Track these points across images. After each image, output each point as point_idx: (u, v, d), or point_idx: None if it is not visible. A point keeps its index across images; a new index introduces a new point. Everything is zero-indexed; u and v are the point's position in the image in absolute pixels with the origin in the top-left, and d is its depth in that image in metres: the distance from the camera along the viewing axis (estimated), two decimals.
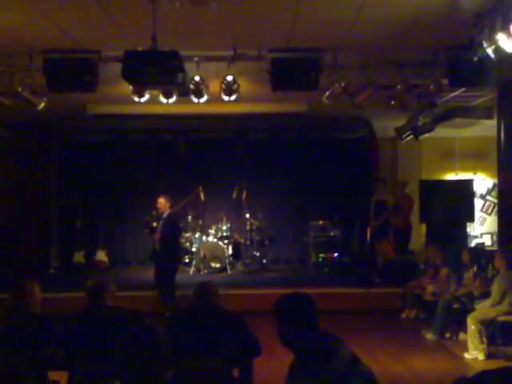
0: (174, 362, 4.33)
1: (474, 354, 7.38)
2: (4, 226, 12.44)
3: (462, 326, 7.94)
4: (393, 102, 8.07)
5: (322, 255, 12.77)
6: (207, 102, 8.02)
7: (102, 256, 12.91)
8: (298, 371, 2.92)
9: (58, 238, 13.38)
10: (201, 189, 12.27)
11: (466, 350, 7.51)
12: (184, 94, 7.79)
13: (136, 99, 8.05)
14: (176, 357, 4.39)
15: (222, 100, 7.82)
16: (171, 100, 8.02)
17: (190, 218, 12.58)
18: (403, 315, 9.60)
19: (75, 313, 4.66)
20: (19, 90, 7.54)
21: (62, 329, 4.56)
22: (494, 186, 12.32)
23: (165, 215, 9.24)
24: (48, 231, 13.06)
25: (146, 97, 8.04)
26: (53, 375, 4.51)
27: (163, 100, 8.05)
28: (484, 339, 7.38)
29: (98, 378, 3.95)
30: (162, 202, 9.23)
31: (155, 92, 7.97)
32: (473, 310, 7.82)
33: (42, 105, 8.13)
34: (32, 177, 12.85)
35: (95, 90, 6.99)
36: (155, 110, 10.24)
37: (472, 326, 7.46)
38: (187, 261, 12.44)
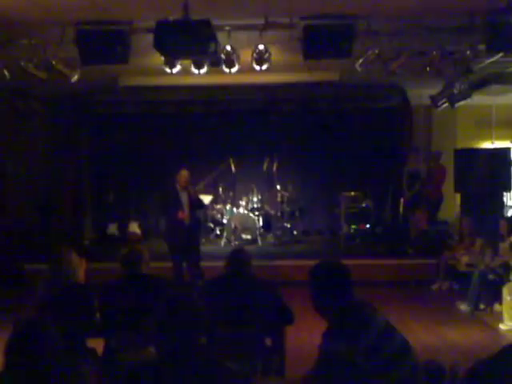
0: (208, 330, 4.38)
1: (510, 325, 7.31)
2: (39, 199, 12.60)
3: (497, 297, 7.86)
4: (428, 69, 7.87)
5: (353, 226, 12.70)
6: (238, 72, 7.94)
7: (134, 228, 13.03)
8: (333, 338, 2.92)
9: (91, 211, 13.55)
10: (231, 160, 12.27)
11: (502, 321, 7.45)
12: (215, 64, 7.72)
13: (168, 70, 8.01)
14: (209, 325, 4.43)
15: (254, 70, 7.75)
16: (202, 71, 7.95)
17: (220, 189, 12.60)
18: (435, 286, 9.54)
19: (111, 281, 4.71)
20: (53, 62, 7.55)
21: (98, 297, 4.63)
22: None
23: (189, 188, 9.08)
24: (82, 203, 13.21)
25: (178, 68, 7.99)
26: (89, 342, 4.59)
27: (195, 71, 7.99)
28: None
29: (133, 345, 4.01)
30: (186, 175, 8.93)
31: (187, 62, 7.92)
32: (509, 280, 7.73)
33: (76, 77, 8.11)
34: (65, 149, 12.96)
35: (127, 62, 6.97)
36: (186, 81, 10.19)
37: (508, 296, 7.39)
38: (218, 232, 12.51)
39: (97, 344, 4.66)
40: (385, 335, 2.93)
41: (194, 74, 8.04)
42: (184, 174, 8.98)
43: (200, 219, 9.51)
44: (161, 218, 13.12)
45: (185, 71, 8.10)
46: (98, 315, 4.53)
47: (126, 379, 2.64)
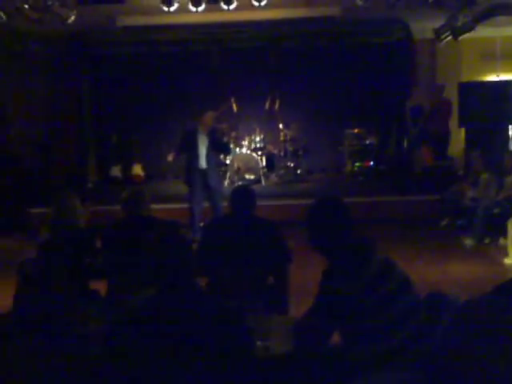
0: (210, 270, 4.40)
1: None
2: (42, 142, 12.50)
3: (502, 231, 7.84)
4: (430, 0, 7.66)
5: (357, 164, 12.64)
6: (238, 9, 7.77)
7: (138, 170, 13.00)
8: (333, 276, 2.90)
9: (94, 152, 13.48)
10: (233, 100, 12.11)
11: (506, 255, 7.45)
12: (213, 0, 7.56)
13: (165, 8, 7.85)
14: (212, 265, 4.45)
15: (253, 6, 7.58)
16: (200, 8, 7.79)
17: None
18: (444, 223, 9.48)
19: (112, 223, 4.71)
20: (49, 3, 7.40)
21: (100, 239, 4.63)
22: None
23: (210, 130, 8.93)
24: (84, 146, 13.13)
25: (175, 5, 7.82)
26: (92, 284, 4.61)
27: (192, 8, 7.82)
28: None
29: (134, 286, 4.01)
30: (212, 117, 8.85)
31: (184, 0, 7.75)
32: None
33: (72, 18, 7.97)
34: (66, 91, 12.80)
35: (123, 1, 6.83)
36: (186, 19, 9.97)
37: None
38: (221, 173, 12.42)
39: (101, 286, 4.69)
40: (384, 272, 2.90)
41: (192, 12, 7.89)
42: (210, 115, 8.84)
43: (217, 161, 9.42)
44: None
45: (183, 9, 7.92)
46: (100, 257, 4.54)
47: (127, 319, 2.67)
